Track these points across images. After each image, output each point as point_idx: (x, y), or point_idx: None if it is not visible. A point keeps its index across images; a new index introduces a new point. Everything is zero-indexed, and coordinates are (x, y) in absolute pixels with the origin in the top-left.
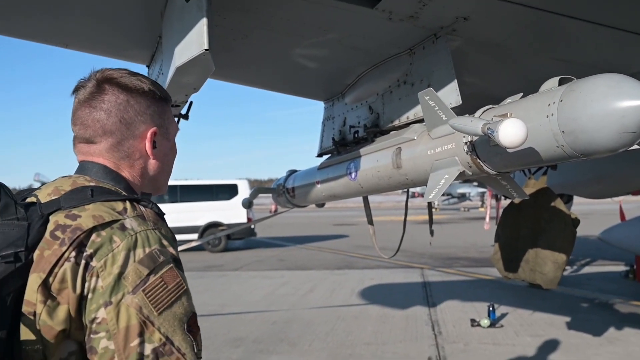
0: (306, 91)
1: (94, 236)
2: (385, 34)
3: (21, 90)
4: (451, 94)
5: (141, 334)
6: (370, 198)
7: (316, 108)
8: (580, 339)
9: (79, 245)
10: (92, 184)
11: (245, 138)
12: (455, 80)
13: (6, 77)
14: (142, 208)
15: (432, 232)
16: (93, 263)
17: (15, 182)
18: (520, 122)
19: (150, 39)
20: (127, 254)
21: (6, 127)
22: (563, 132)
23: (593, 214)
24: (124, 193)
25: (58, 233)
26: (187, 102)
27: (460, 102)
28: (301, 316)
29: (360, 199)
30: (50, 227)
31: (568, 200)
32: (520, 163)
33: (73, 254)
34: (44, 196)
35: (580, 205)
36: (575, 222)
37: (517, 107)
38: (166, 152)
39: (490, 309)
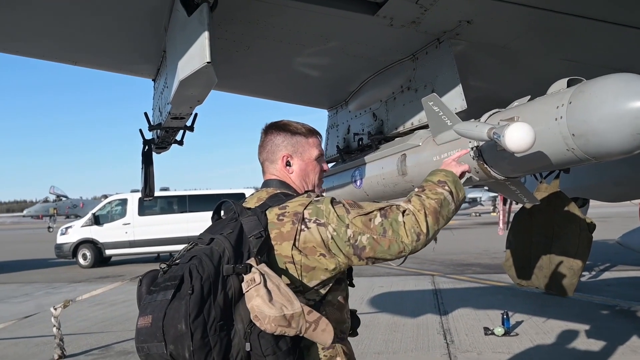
0: (310, 100)
1: (306, 212)
2: (387, 41)
3: (38, 101)
4: (456, 98)
5: (370, 220)
6: None
7: (322, 116)
8: (600, 348)
9: (302, 220)
10: (277, 191)
11: (252, 146)
12: (460, 85)
13: (24, 86)
14: (312, 194)
15: (435, 239)
16: (320, 220)
17: (32, 195)
18: (528, 125)
19: (155, 53)
20: (329, 207)
21: (22, 136)
22: (573, 135)
23: (612, 218)
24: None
25: (281, 217)
26: (191, 114)
27: (466, 106)
28: None
29: None
30: (273, 216)
31: (583, 203)
32: (529, 168)
33: (303, 226)
34: (252, 204)
35: (598, 209)
36: (591, 226)
37: (525, 111)
38: (302, 168)
39: (504, 316)
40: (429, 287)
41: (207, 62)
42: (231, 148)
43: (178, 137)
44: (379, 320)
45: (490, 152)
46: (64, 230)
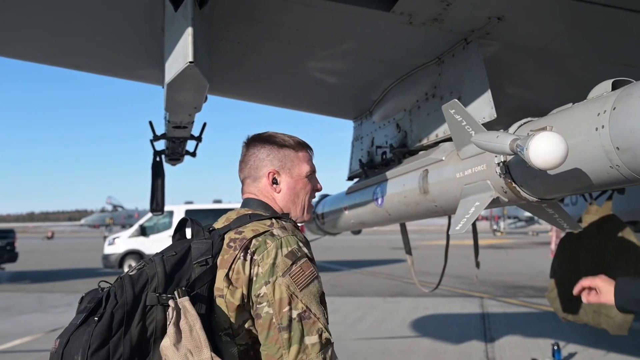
0: (332, 109)
1: (254, 241)
2: (408, 42)
3: (91, 109)
4: (484, 107)
5: (289, 303)
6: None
7: None
8: None
9: (245, 248)
10: (249, 212)
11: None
12: (489, 91)
13: (77, 96)
14: (283, 222)
15: (477, 264)
16: (255, 257)
17: (94, 204)
18: (557, 136)
19: (158, 57)
20: (276, 251)
21: (78, 145)
22: (617, 148)
23: None
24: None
25: (231, 244)
26: (193, 122)
27: (495, 116)
28: (346, 347)
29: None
30: (226, 241)
31: None
32: (566, 188)
33: (242, 254)
34: (219, 224)
35: None
36: None
37: (560, 119)
38: (291, 186)
39: (555, 348)
40: (476, 311)
41: (190, 62)
42: None
43: (191, 149)
44: (419, 345)
45: (519, 168)
46: (111, 240)
